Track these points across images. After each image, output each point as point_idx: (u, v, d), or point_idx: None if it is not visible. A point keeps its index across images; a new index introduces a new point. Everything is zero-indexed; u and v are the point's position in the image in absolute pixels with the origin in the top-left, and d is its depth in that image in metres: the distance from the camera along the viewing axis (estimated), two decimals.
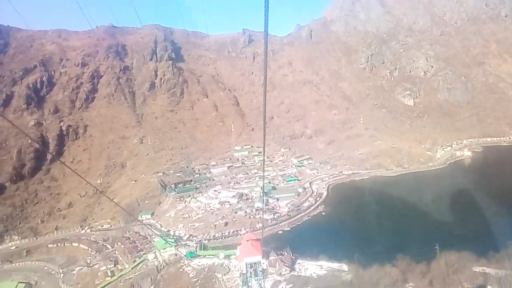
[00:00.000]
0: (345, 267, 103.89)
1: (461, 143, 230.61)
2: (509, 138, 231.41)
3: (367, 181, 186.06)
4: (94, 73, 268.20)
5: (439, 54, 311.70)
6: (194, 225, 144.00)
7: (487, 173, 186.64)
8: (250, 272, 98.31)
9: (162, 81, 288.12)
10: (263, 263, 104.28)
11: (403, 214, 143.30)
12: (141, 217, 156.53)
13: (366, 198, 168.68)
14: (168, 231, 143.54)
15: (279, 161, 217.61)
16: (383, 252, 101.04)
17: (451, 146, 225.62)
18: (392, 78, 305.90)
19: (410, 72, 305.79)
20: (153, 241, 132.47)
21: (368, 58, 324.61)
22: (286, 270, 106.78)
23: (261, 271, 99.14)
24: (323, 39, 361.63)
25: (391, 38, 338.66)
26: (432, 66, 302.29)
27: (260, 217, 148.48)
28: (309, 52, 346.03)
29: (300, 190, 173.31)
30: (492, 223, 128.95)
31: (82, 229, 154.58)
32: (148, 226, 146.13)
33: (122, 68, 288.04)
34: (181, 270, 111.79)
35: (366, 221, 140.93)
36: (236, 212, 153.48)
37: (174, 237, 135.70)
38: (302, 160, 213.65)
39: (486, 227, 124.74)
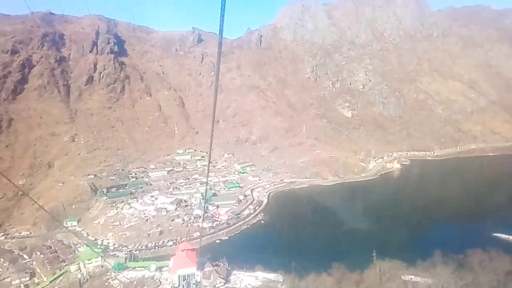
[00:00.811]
0: (280, 277, 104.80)
1: (391, 155, 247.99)
2: (433, 153, 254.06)
3: (306, 189, 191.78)
4: (25, 62, 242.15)
5: (377, 68, 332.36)
6: (125, 234, 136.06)
7: (413, 185, 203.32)
8: (183, 286, 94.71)
9: (101, 75, 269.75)
10: (198, 275, 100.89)
11: (337, 223, 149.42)
12: (66, 223, 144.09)
13: (304, 207, 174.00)
14: (96, 240, 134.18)
15: (222, 166, 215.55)
16: (319, 261, 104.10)
17: (383, 158, 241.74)
18: (334, 89, 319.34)
19: (350, 84, 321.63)
20: (78, 251, 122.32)
21: (313, 68, 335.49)
22: (220, 282, 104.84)
23: (194, 283, 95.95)
24: (272, 45, 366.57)
25: (335, 50, 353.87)
26: (370, 80, 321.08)
27: (198, 225, 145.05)
28: (258, 57, 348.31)
29: (241, 197, 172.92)
30: (417, 232, 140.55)
31: None
32: (74, 233, 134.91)
33: (58, 58, 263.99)
34: (106, 283, 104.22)
35: (303, 230, 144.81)
36: (173, 220, 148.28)
37: (102, 247, 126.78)
38: (245, 167, 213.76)
39: (412, 236, 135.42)
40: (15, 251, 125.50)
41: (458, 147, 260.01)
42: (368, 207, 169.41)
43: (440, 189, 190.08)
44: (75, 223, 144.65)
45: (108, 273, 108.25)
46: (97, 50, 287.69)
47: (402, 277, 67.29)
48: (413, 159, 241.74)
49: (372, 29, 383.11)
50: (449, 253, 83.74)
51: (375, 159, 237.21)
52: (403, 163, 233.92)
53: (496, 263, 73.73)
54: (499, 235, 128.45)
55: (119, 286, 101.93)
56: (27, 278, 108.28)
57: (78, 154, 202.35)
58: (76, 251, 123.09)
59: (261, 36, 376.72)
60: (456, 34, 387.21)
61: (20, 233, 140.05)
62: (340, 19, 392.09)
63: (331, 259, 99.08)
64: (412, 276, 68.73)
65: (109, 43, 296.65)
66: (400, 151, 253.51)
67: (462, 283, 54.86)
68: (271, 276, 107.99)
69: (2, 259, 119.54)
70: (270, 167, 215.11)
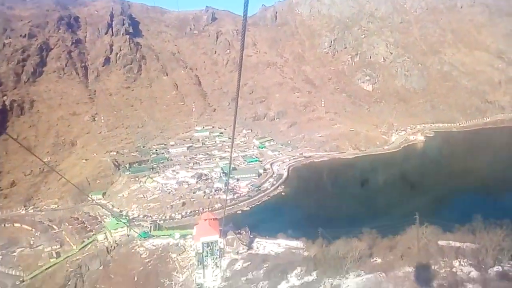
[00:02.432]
0: (303, 244, 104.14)
1: (414, 128, 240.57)
2: (459, 124, 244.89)
3: (326, 162, 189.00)
4: (43, 46, 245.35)
5: (398, 41, 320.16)
6: (149, 206, 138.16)
7: (438, 156, 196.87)
8: (207, 251, 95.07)
9: (118, 56, 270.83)
10: (221, 242, 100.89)
11: (359, 195, 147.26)
12: (92, 196, 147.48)
13: (325, 180, 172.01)
14: (121, 211, 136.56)
15: (241, 142, 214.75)
16: (345, 228, 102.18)
17: (406, 131, 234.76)
18: (353, 64, 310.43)
19: (370, 58, 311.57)
20: (104, 222, 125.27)
21: (331, 42, 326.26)
22: (243, 248, 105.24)
23: (218, 250, 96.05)
24: (288, 21, 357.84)
25: (353, 23, 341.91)
26: (391, 53, 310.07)
27: (220, 197, 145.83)
28: (274, 33, 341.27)
29: (261, 171, 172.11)
30: (446, 201, 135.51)
31: (26, 209, 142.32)
32: (100, 205, 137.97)
33: (74, 41, 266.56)
34: (133, 250, 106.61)
35: (325, 201, 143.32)
36: (194, 192, 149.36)
37: (127, 218, 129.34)
38: (264, 142, 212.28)
39: (441, 204, 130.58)
40: (45, 222, 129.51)
41: (485, 118, 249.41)
42: (391, 178, 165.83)
43: (467, 160, 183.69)
44: (100, 196, 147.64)
45: (134, 241, 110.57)
46: (112, 32, 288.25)
47: (439, 242, 64.25)
48: (437, 131, 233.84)
49: (392, 1, 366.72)
50: (486, 220, 79.11)
51: (398, 131, 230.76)
52: (427, 135, 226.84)
53: None
54: None
55: (145, 253, 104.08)
56: (58, 246, 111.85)
57: (100, 133, 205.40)
58: (102, 221, 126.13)
59: (276, 12, 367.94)
60: (482, 3, 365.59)
61: (49, 206, 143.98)
62: None
63: (358, 226, 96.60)
64: (451, 242, 65.33)
65: (123, 24, 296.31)
66: (424, 123, 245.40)
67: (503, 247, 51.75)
68: (294, 243, 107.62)
69: (33, 229, 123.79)
70: (289, 142, 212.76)
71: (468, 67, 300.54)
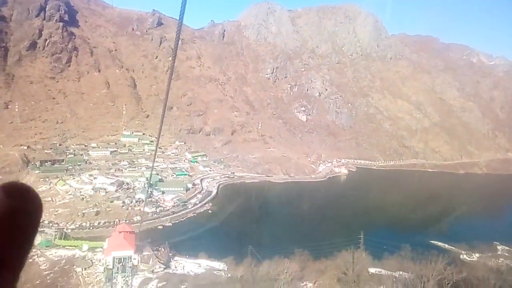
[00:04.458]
0: (224, 266, 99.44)
1: (340, 161, 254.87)
2: (379, 163, 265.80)
3: (257, 184, 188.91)
4: None
5: (333, 79, 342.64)
6: (57, 211, 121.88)
7: (357, 190, 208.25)
8: (117, 268, 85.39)
9: (46, 42, 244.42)
10: (135, 259, 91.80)
11: (284, 219, 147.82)
12: None
13: (254, 201, 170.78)
14: None
15: (172, 153, 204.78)
16: (265, 252, 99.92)
17: (332, 163, 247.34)
18: (292, 93, 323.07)
19: (307, 90, 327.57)
20: None
21: (273, 69, 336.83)
22: (160, 267, 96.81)
23: (130, 267, 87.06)
24: (235, 41, 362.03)
25: (295, 55, 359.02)
26: (326, 89, 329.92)
27: (140, 210, 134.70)
28: (220, 50, 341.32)
29: (190, 185, 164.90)
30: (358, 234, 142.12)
31: None
32: None
33: None
34: (30, 260, 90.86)
35: (251, 223, 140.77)
36: (112, 202, 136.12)
37: None
38: (196, 156, 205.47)
39: (354, 236, 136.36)
40: None
41: (401, 160, 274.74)
42: (315, 206, 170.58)
43: (382, 196, 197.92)
44: None
45: (34, 250, 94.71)
46: (44, 16, 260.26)
47: (370, 269, 65.01)
48: (359, 167, 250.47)
49: (332, 42, 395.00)
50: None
51: (325, 162, 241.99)
52: (350, 169, 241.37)
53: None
54: (435, 242, 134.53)
55: (45, 264, 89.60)
56: None
57: (11, 123, 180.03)
58: None
59: (224, 30, 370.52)
60: (408, 59, 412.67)
61: None
62: (303, 27, 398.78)
63: (276, 252, 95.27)
64: (381, 269, 66.59)
65: (59, 10, 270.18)
66: (349, 158, 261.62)
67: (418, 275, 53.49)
68: (216, 264, 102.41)
69: None
70: (222, 159, 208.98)
71: (391, 113, 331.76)
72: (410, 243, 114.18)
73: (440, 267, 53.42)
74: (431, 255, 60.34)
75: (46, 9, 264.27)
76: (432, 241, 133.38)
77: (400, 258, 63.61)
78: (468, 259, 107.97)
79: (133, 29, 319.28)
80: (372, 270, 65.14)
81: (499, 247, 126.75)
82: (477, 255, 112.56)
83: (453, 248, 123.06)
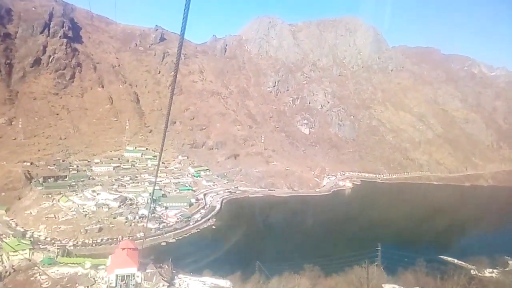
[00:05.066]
0: (229, 283, 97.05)
1: (344, 174, 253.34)
2: (383, 176, 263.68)
3: (260, 199, 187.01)
4: None
5: (335, 92, 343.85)
6: (60, 228, 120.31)
7: (362, 204, 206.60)
8: (120, 286, 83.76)
9: (50, 59, 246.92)
10: (138, 276, 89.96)
11: (289, 234, 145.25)
12: None
13: (257, 216, 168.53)
14: (25, 231, 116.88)
15: (175, 168, 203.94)
16: (271, 269, 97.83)
17: (336, 176, 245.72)
18: (294, 106, 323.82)
19: (309, 103, 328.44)
20: (1, 241, 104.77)
21: (275, 83, 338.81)
22: (164, 285, 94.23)
23: (133, 284, 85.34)
24: (237, 55, 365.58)
25: (297, 69, 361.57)
26: (328, 102, 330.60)
27: (143, 226, 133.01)
28: (222, 64, 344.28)
29: (193, 200, 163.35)
30: (366, 247, 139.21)
31: None
32: None
33: (2, 34, 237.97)
34: (32, 278, 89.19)
35: (257, 238, 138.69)
36: (115, 218, 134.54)
37: (31, 239, 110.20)
38: (199, 171, 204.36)
39: (363, 251, 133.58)
40: None
41: (406, 173, 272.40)
42: (320, 220, 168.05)
43: (388, 211, 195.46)
44: (2, 211, 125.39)
45: (36, 268, 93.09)
46: (48, 32, 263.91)
47: (383, 285, 63.01)
48: (364, 180, 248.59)
49: (333, 55, 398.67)
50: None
51: (329, 176, 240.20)
52: (355, 182, 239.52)
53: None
54: (444, 257, 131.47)
55: (47, 282, 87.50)
56: None
57: (14, 139, 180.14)
58: (0, 241, 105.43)
59: (226, 45, 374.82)
60: (409, 70, 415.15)
61: None
62: (304, 41, 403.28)
63: (284, 267, 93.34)
64: (395, 285, 64.46)
65: (63, 27, 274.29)
66: (352, 171, 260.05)
67: None
68: (221, 282, 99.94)
69: None
70: (225, 174, 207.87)
71: (393, 125, 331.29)
72: (418, 259, 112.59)
73: (464, 281, 51.43)
74: (446, 270, 58.69)
75: (51, 25, 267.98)
76: (441, 256, 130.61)
77: (414, 273, 61.75)
78: (480, 275, 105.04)
79: (136, 45, 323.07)
80: (387, 286, 63.12)
81: (510, 262, 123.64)
82: (489, 270, 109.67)
83: (463, 263, 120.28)
